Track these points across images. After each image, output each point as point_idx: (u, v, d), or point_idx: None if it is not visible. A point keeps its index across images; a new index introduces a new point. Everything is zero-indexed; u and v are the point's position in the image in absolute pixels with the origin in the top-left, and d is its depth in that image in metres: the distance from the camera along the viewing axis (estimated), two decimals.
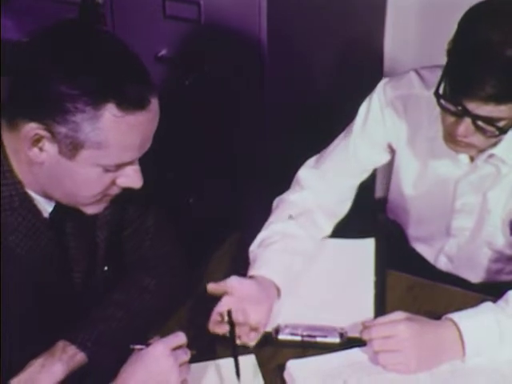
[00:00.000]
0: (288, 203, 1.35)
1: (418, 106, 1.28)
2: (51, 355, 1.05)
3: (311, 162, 1.40)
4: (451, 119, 1.14)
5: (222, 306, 1.13)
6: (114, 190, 1.04)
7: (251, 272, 1.22)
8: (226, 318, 1.13)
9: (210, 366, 1.12)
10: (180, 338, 1.04)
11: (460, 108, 1.10)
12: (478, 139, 1.15)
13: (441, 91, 1.13)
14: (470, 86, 1.06)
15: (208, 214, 1.76)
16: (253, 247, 1.29)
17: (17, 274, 1.03)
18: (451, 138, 1.16)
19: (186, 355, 1.03)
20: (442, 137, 1.19)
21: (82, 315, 1.10)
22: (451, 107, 1.12)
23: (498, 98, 1.06)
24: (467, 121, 1.10)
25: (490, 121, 1.09)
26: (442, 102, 1.13)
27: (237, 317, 1.13)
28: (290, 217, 1.28)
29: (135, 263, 1.21)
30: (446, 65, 1.12)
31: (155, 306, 1.17)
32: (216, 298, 1.17)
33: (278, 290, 1.21)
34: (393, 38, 1.94)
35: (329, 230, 1.37)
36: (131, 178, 1.02)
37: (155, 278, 1.18)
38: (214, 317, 1.14)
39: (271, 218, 1.34)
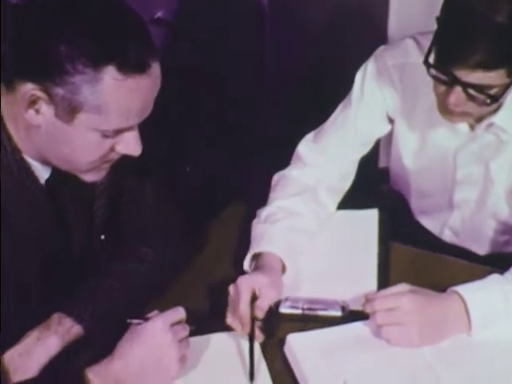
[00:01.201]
0: (289, 180, 1.35)
1: (414, 75, 1.27)
2: (47, 328, 1.05)
3: (311, 136, 1.39)
4: (442, 88, 1.14)
5: (243, 312, 1.11)
6: (113, 157, 1.03)
7: (257, 248, 1.22)
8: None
9: (209, 340, 1.12)
10: (179, 313, 1.04)
11: (450, 76, 1.10)
12: (471, 107, 1.15)
13: (431, 60, 1.14)
14: (457, 53, 1.07)
15: (206, 184, 1.76)
16: (257, 222, 1.29)
17: (14, 242, 1.03)
18: (445, 108, 1.16)
19: (185, 330, 1.03)
20: (437, 107, 1.19)
21: (79, 286, 1.11)
22: (441, 76, 1.12)
23: (486, 65, 1.06)
24: (458, 89, 1.11)
25: (481, 88, 1.10)
26: (432, 71, 1.13)
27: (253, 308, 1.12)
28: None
29: (133, 233, 1.20)
30: (434, 33, 1.12)
31: (153, 277, 1.17)
32: (215, 272, 1.18)
33: (283, 267, 1.21)
34: (397, 10, 1.92)
35: (333, 207, 1.37)
36: (130, 144, 1.01)
37: (154, 248, 1.18)
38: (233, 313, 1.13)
39: (274, 194, 1.34)
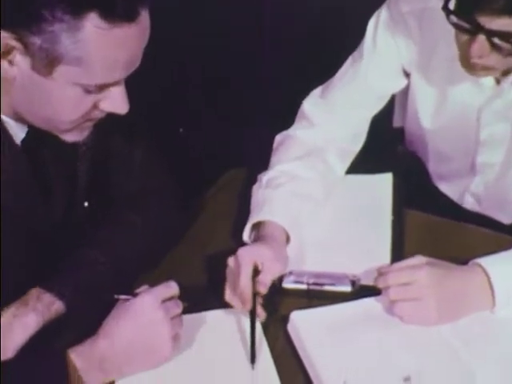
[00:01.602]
0: (294, 140, 1.35)
1: (433, 22, 1.26)
2: (24, 304, 1.05)
3: (318, 91, 1.39)
4: (464, 38, 1.13)
5: (244, 288, 1.10)
6: (97, 115, 1.03)
7: (258, 217, 1.22)
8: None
9: (205, 317, 1.12)
10: (171, 287, 1.04)
11: (472, 24, 1.09)
12: (495, 59, 1.13)
13: (451, 6, 1.12)
14: None
15: (201, 148, 1.77)
16: (257, 187, 1.29)
17: None
18: (467, 61, 1.15)
19: (177, 307, 1.04)
20: (459, 60, 1.18)
21: (60, 258, 1.10)
22: (463, 23, 1.11)
23: None
24: (481, 38, 1.10)
25: (507, 36, 1.08)
26: (453, 18, 1.12)
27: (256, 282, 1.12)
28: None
29: (121, 200, 1.20)
30: None
31: (143, 248, 1.17)
32: (211, 243, 1.19)
33: (287, 238, 1.21)
34: None
35: (341, 171, 1.37)
36: (116, 101, 1.00)
37: (144, 217, 1.18)
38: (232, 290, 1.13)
39: (277, 157, 1.34)
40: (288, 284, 1.17)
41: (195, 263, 1.22)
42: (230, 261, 1.13)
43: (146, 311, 1.00)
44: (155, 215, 1.20)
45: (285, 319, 1.12)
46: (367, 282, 1.15)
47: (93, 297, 1.08)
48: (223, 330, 1.11)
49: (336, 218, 1.30)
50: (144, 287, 1.04)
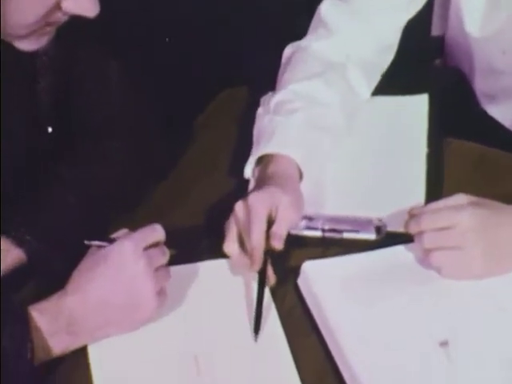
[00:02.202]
0: (309, 54, 1.34)
1: None
2: None
3: None
4: None
5: (256, 245, 1.09)
6: (59, 19, 1.01)
7: (266, 148, 1.21)
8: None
9: (197, 269, 1.12)
10: (156, 232, 1.04)
11: None
12: None
13: None
14: None
15: (190, 62, 1.77)
16: (264, 112, 1.28)
17: None
18: None
19: (163, 256, 1.04)
20: None
21: (21, 198, 1.10)
22: None
23: None
24: None
25: None
26: None
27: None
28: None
29: (92, 126, 1.20)
30: None
31: (121, 185, 1.17)
32: (204, 180, 1.20)
33: (300, 175, 1.21)
34: None
35: (367, 92, 1.37)
36: (82, 0, 0.99)
37: (122, 144, 1.18)
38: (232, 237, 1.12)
39: (287, 74, 1.33)
40: (300, 230, 1.16)
41: (185, 204, 1.22)
42: (238, 209, 1.11)
43: (125, 261, 1.00)
44: (135, 145, 1.20)
45: (295, 271, 1.12)
46: (395, 227, 1.15)
47: (59, 244, 1.09)
48: (219, 285, 1.11)
49: (360, 151, 1.30)
50: (122, 231, 1.04)
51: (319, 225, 1.17)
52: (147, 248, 1.02)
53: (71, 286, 1.00)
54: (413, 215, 1.10)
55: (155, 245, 1.03)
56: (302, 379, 0.98)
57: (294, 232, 1.15)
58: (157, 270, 1.02)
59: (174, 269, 1.06)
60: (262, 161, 1.21)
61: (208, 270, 1.12)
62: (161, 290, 1.02)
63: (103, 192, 1.15)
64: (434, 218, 1.08)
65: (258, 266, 1.09)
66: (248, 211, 1.10)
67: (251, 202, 1.10)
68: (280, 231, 1.10)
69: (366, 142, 1.31)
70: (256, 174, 1.22)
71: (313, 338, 1.04)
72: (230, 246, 1.10)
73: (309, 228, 1.17)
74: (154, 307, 1.01)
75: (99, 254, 1.01)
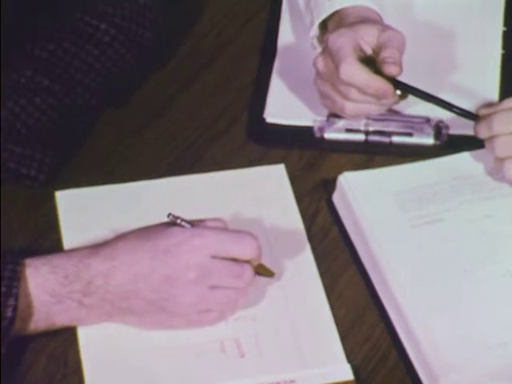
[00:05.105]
0: None
1: None
2: None
3: None
4: None
5: (353, 76, 1.01)
6: None
7: (343, 2, 1.12)
8: None
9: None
10: (247, 248, 0.92)
11: None
12: None
13: None
14: None
15: None
16: None
17: None
18: None
19: (235, 278, 0.93)
20: None
21: None
22: None
23: None
24: None
25: None
26: None
27: None
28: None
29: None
30: None
31: (121, 62, 1.11)
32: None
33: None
34: None
35: None
36: None
37: (111, 24, 1.13)
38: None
39: None
40: (335, 133, 1.07)
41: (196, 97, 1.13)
42: (319, 62, 1.04)
43: (179, 258, 0.89)
44: (128, 24, 1.14)
45: (329, 186, 1.04)
46: (460, 130, 1.07)
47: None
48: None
49: (414, 38, 1.14)
50: (216, 219, 0.92)
51: (362, 126, 1.07)
52: (220, 258, 0.90)
53: (106, 249, 0.90)
54: (483, 115, 1.02)
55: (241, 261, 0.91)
56: (336, 316, 0.90)
57: (328, 136, 1.06)
58: (217, 288, 0.90)
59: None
60: (327, 27, 1.13)
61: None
62: (209, 310, 0.91)
63: (90, 75, 1.08)
64: (509, 119, 1.00)
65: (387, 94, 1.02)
66: (329, 53, 1.04)
67: (331, 42, 1.04)
68: (394, 55, 1.02)
69: (420, 24, 1.20)
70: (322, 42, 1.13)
71: (351, 267, 0.97)
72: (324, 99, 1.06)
73: (348, 130, 1.08)
74: (186, 324, 0.91)
75: (161, 230, 0.91)
